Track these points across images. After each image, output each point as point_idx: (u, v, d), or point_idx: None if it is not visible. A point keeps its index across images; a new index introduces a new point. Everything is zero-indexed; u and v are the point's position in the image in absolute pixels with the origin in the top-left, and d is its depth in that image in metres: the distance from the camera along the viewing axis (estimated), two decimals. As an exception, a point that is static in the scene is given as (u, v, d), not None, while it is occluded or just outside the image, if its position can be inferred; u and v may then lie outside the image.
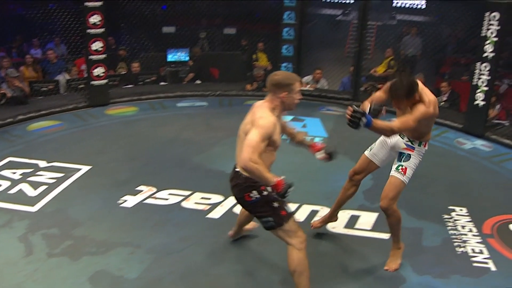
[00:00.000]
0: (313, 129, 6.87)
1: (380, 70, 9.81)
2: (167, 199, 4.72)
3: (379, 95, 3.82)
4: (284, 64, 8.20)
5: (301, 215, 4.44)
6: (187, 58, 9.66)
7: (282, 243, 3.23)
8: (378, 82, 9.49)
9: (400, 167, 3.62)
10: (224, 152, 5.89)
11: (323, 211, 4.53)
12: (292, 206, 4.53)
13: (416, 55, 10.56)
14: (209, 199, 4.73)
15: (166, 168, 5.42)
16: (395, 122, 3.40)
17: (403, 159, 3.64)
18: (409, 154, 3.64)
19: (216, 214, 4.49)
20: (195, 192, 4.83)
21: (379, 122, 3.29)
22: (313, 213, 4.53)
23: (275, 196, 3.08)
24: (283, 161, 5.57)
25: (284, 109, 3.17)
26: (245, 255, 3.91)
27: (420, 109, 3.37)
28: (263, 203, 3.13)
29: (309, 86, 8.55)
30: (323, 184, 5.15)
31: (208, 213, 4.50)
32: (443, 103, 8.06)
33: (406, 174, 3.60)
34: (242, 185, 3.14)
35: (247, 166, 2.88)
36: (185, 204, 4.64)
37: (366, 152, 3.97)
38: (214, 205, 4.62)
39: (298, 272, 3.18)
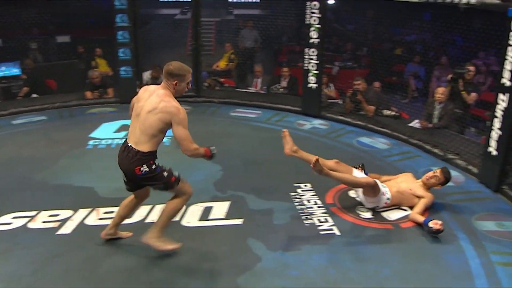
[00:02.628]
0: (161, 130, 6.90)
1: (221, 64, 10.14)
2: (10, 223, 4.45)
3: None
4: (123, 68, 8.10)
5: (154, 216, 4.50)
6: (19, 72, 9.05)
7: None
8: (221, 76, 9.85)
9: None
10: (69, 165, 5.71)
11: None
12: (144, 208, 4.59)
13: (255, 46, 11.09)
14: (58, 215, 4.56)
15: (6, 191, 5.09)
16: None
17: None
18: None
19: (67, 229, 4.35)
20: (42, 211, 4.63)
21: None
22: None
23: (161, 166, 3.65)
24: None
25: (175, 95, 3.63)
26: (99, 268, 3.87)
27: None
28: (152, 175, 3.60)
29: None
30: (176, 182, 5.25)
31: (58, 230, 4.34)
32: (282, 89, 8.64)
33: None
34: (133, 159, 3.55)
35: (194, 154, 3.61)
36: (31, 225, 4.42)
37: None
38: (64, 221, 4.47)
39: (170, 214, 3.79)
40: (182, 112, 3.53)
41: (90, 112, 7.88)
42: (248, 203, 4.82)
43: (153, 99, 3.56)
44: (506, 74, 4.91)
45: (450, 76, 7.00)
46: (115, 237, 4.13)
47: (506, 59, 4.89)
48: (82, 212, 4.59)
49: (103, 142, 6.43)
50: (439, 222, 4.29)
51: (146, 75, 8.93)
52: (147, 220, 4.45)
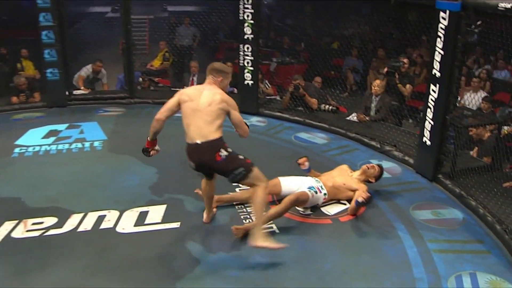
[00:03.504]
0: (92, 134, 6.78)
1: (156, 63, 10.03)
2: None
3: None
4: (49, 70, 7.83)
5: (87, 224, 4.39)
6: None
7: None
8: (156, 76, 9.73)
9: None
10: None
11: (112, 214, 4.56)
12: (76, 216, 4.48)
13: (192, 44, 11.02)
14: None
15: None
16: None
17: None
18: None
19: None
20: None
21: None
22: (101, 218, 4.51)
23: (235, 151, 3.90)
24: (64, 171, 5.48)
25: None
26: (28, 284, 3.73)
27: None
28: (230, 158, 3.83)
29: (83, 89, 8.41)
30: (110, 188, 5.16)
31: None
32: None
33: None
34: (211, 147, 3.80)
35: (247, 132, 4.06)
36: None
37: None
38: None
39: (261, 207, 3.87)
40: (233, 100, 3.98)
41: (15, 118, 7.58)
42: (186, 205, 4.79)
43: (207, 94, 3.91)
44: (436, 65, 5.12)
45: (386, 69, 7.24)
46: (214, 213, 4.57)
47: (435, 50, 5.10)
48: (8, 225, 4.41)
49: (30, 149, 6.18)
50: (364, 195, 4.45)
51: (87, 68, 8.74)
52: (80, 229, 4.33)
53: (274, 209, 4.38)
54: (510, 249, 4.10)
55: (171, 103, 4.03)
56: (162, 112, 4.03)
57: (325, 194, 4.73)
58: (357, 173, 4.98)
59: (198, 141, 3.85)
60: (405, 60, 7.20)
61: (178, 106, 3.99)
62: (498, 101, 7.71)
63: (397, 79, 6.89)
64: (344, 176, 4.93)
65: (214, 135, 3.85)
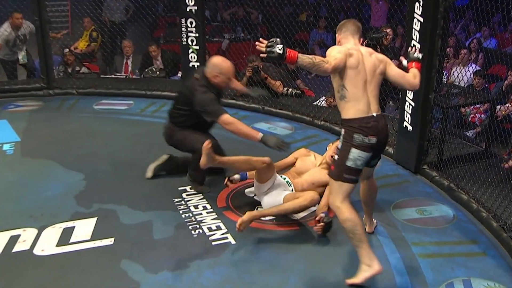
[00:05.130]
0: (0, 134, 6.66)
1: (81, 45, 9.93)
2: None
3: None
4: None
5: (42, 244, 4.34)
6: None
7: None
8: (83, 60, 9.62)
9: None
10: None
11: (28, 233, 4.48)
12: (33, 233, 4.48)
13: (125, 20, 10.92)
14: None
15: None
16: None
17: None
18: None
19: None
20: None
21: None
22: (14, 239, 4.42)
23: None
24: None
25: None
26: None
27: None
28: None
29: None
30: (24, 200, 5.06)
31: None
32: (158, 72, 8.61)
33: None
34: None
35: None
36: None
37: None
38: None
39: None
40: None
41: None
42: (121, 217, 4.76)
43: (369, 59, 3.81)
44: (415, 35, 5.23)
45: (364, 42, 7.31)
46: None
47: (414, 17, 5.21)
48: None
49: None
50: (319, 216, 4.49)
51: (4, 28, 8.47)
52: (35, 251, 4.26)
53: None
54: (509, 248, 4.21)
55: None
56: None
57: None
58: (323, 157, 5.02)
59: (375, 114, 3.80)
60: (388, 30, 7.25)
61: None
62: (493, 75, 7.92)
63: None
64: (312, 174, 4.96)
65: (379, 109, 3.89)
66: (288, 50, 3.36)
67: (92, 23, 10.04)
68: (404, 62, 4.18)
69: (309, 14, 10.53)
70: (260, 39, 3.50)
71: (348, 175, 3.72)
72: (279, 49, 3.33)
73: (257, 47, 3.46)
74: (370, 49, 3.91)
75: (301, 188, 4.83)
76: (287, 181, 4.85)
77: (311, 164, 5.04)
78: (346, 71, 3.67)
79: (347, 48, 3.73)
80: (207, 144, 4.36)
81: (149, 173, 5.43)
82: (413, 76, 3.95)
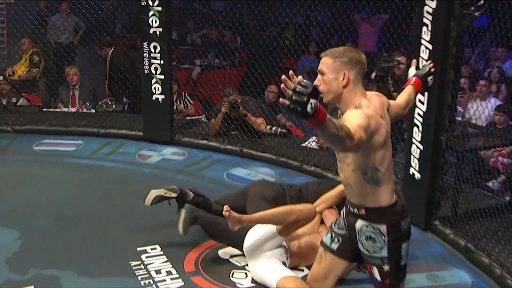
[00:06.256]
0: None
1: (20, 71, 9.93)
2: None
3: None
4: None
5: None
6: None
7: None
8: (21, 89, 9.59)
9: None
10: None
11: None
12: None
13: (73, 41, 10.95)
14: None
15: None
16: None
17: None
18: None
19: None
20: None
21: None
22: None
23: None
24: None
25: None
26: None
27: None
28: None
29: None
30: None
31: None
32: (115, 105, 8.63)
33: None
34: None
35: None
36: None
37: None
38: None
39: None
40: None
41: None
42: (64, 285, 4.68)
43: (387, 117, 3.42)
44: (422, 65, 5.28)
45: (373, 74, 7.32)
46: None
47: (421, 44, 5.28)
48: None
49: None
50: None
51: None
52: None
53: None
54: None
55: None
56: None
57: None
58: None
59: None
60: (401, 58, 7.27)
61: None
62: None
63: (390, 85, 6.91)
64: (314, 235, 4.90)
65: None
66: (319, 107, 2.59)
67: (33, 44, 10.05)
68: (412, 71, 4.01)
69: (296, 38, 10.63)
70: (291, 72, 2.61)
71: (403, 275, 3.49)
72: (311, 107, 2.54)
73: (281, 86, 2.59)
74: (379, 97, 3.45)
75: (297, 250, 4.77)
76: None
77: (314, 227, 4.99)
78: (374, 150, 3.22)
79: (368, 116, 3.10)
80: (225, 212, 4.31)
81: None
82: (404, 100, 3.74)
